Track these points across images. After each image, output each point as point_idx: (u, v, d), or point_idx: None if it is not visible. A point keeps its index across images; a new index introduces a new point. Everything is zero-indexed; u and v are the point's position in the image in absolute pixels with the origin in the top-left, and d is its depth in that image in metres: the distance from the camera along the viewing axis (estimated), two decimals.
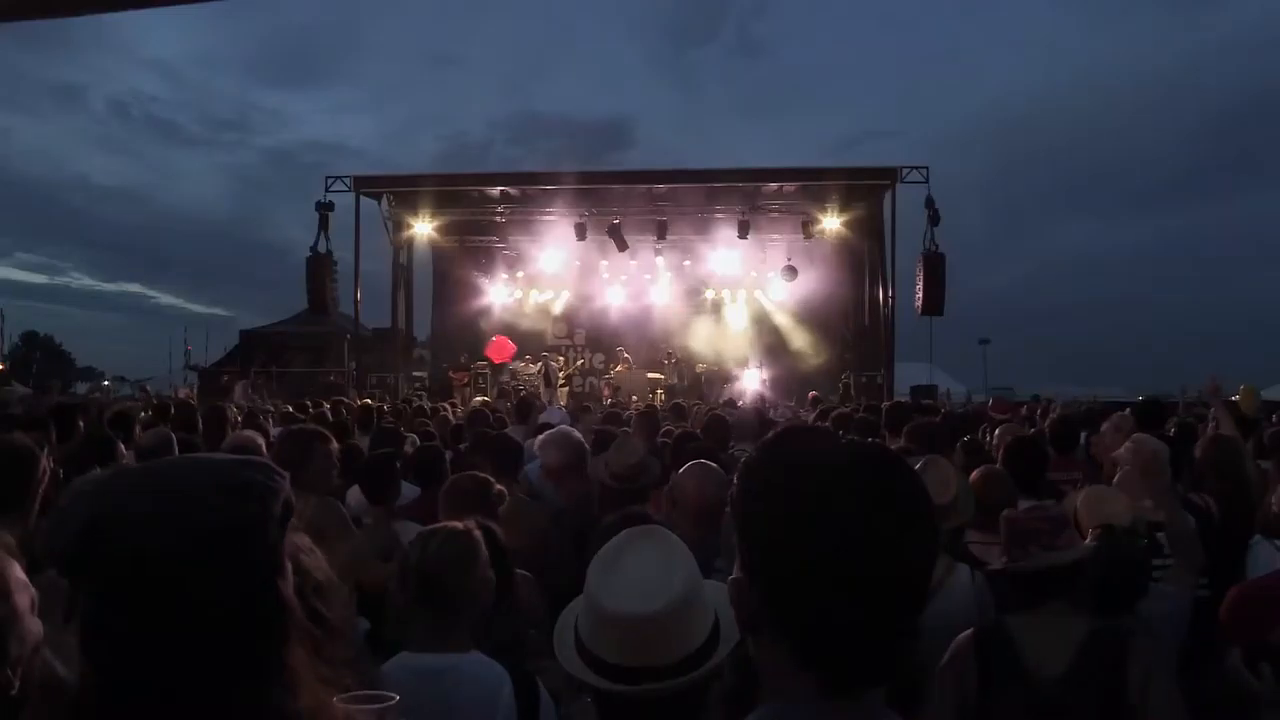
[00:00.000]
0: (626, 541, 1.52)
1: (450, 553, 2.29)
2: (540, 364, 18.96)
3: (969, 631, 2.44)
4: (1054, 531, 2.44)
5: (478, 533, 2.39)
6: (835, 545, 0.87)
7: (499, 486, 3.27)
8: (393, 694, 1.25)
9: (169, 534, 0.90)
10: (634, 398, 16.45)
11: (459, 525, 2.41)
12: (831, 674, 0.90)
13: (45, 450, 2.80)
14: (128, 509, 0.92)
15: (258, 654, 0.94)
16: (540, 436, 4.73)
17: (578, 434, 4.63)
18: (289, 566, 0.99)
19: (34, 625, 1.42)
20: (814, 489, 0.91)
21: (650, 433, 5.85)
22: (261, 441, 4.76)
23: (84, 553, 0.91)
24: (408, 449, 5.15)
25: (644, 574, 1.43)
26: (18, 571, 1.43)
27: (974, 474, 3.41)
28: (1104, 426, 5.11)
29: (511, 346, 19.62)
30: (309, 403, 9.14)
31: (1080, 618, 2.34)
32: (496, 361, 19.07)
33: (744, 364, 19.37)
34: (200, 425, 6.42)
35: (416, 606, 2.28)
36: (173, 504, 0.92)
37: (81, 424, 5.31)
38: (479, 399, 13.70)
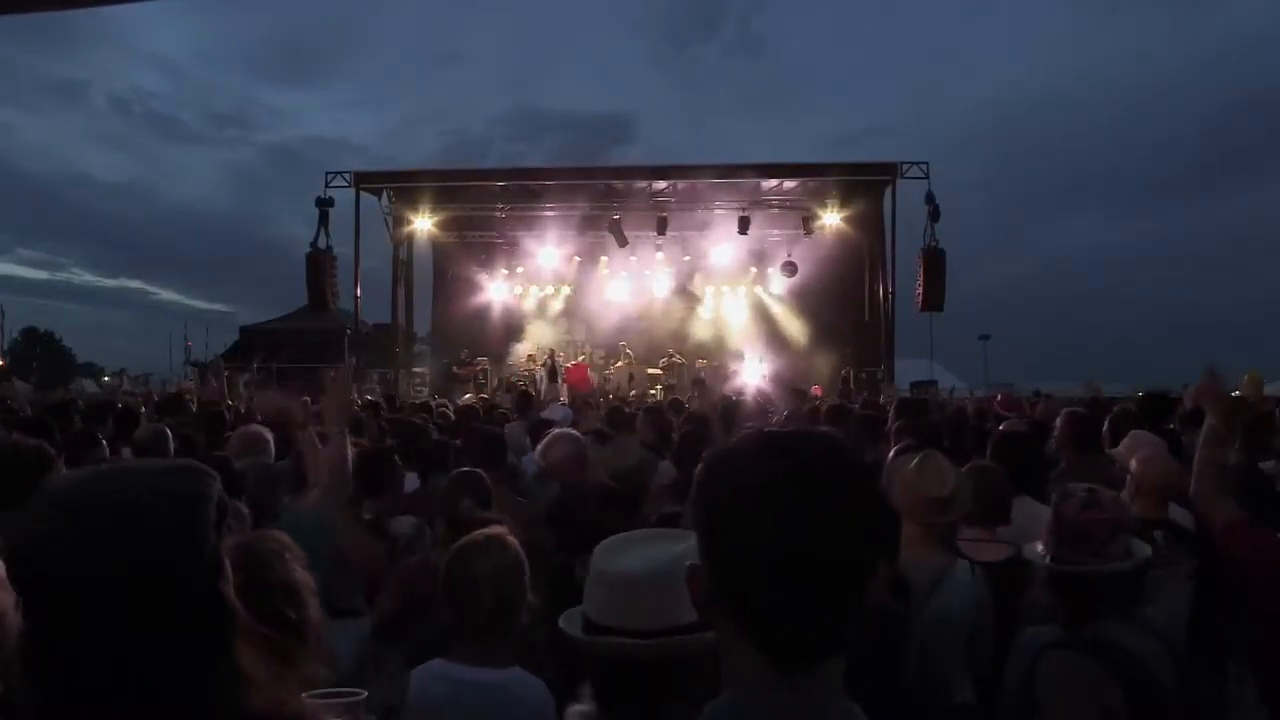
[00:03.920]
0: (652, 533, 1.57)
1: (496, 566, 2.24)
2: (547, 358, 18.97)
3: (1089, 663, 2.09)
4: (1108, 537, 2.20)
5: (516, 543, 2.33)
6: (771, 527, 0.95)
7: (485, 484, 3.28)
8: (361, 690, 1.26)
9: (104, 551, 0.90)
10: (633, 392, 16.44)
11: (501, 535, 2.34)
12: (776, 650, 0.97)
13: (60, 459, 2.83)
14: (58, 530, 0.92)
15: (204, 657, 0.94)
16: (545, 438, 4.72)
17: (577, 434, 4.62)
18: (229, 568, 0.99)
19: (20, 622, 1.42)
20: (755, 476, 0.99)
21: (659, 430, 5.84)
22: (270, 437, 4.75)
23: (21, 573, 0.92)
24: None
25: (648, 547, 1.47)
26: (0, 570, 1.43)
27: (965, 468, 3.40)
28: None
29: (587, 376, 18.76)
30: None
31: (1146, 634, 2.17)
32: (581, 389, 17.25)
33: (744, 360, 19.36)
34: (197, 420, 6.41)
35: (453, 617, 2.25)
36: (106, 520, 0.92)
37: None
38: (468, 396, 13.71)
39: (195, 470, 1.01)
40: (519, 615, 2.24)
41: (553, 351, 19.40)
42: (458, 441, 4.93)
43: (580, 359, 19.94)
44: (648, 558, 1.44)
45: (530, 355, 20.06)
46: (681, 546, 1.45)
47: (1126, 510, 2.34)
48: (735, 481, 1.01)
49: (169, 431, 4.71)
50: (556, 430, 4.75)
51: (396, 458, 4.08)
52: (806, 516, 0.95)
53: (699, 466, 1.08)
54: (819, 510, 0.95)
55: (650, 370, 19.35)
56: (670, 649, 1.38)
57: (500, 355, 20.58)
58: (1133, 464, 3.61)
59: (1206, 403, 3.06)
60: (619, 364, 19.63)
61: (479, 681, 2.15)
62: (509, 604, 2.23)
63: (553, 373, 18.31)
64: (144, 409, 6.99)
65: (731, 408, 6.19)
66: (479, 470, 3.55)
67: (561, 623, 1.52)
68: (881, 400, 10.46)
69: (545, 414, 7.82)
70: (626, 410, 8.40)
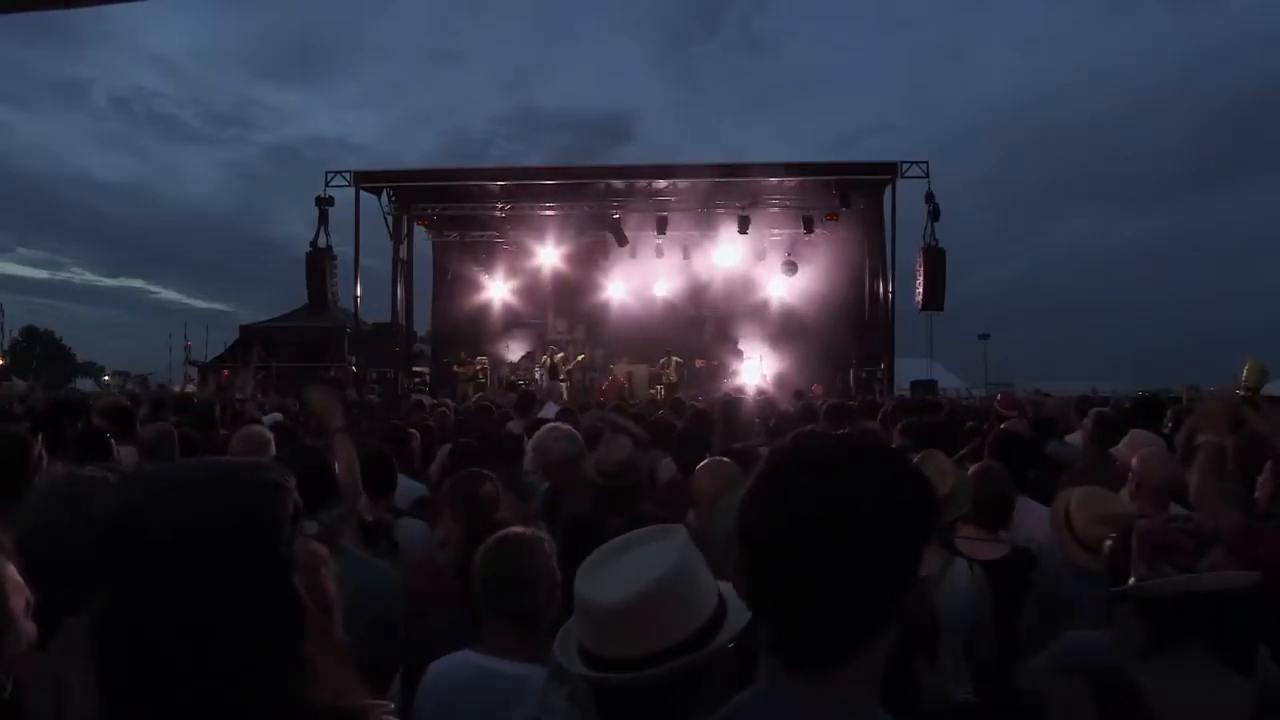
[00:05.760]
0: (634, 538, 1.52)
1: (535, 562, 2.27)
2: (546, 357, 18.98)
3: (1079, 681, 1.92)
4: (1198, 549, 1.91)
5: (549, 541, 2.36)
6: (789, 527, 0.96)
7: (488, 485, 3.28)
8: (389, 703, 1.27)
9: (194, 526, 0.93)
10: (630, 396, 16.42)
11: (531, 531, 2.38)
12: (781, 649, 0.98)
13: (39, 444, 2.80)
14: (153, 505, 0.95)
15: (277, 647, 0.97)
16: (538, 432, 4.66)
17: (575, 432, 4.55)
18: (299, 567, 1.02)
19: (28, 627, 1.42)
20: (787, 476, 1.00)
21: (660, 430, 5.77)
22: (271, 436, 4.74)
23: (111, 546, 0.94)
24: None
25: (628, 567, 1.43)
26: (13, 573, 1.43)
27: (970, 469, 3.40)
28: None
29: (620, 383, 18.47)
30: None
31: (1230, 674, 1.84)
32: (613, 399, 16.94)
33: (744, 359, 19.37)
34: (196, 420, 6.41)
35: (490, 611, 2.26)
36: (195, 499, 0.96)
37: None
38: (477, 395, 13.70)
39: (274, 466, 1.05)
40: (545, 611, 2.26)
41: (551, 352, 19.39)
42: (459, 440, 4.92)
43: (578, 358, 19.76)
44: (627, 580, 1.40)
45: (528, 354, 20.07)
46: (661, 558, 1.43)
47: (1235, 527, 2.11)
48: (773, 478, 1.01)
49: (175, 431, 4.70)
50: (548, 426, 4.64)
51: (393, 460, 4.08)
52: (832, 520, 0.94)
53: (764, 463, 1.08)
54: (846, 515, 0.95)
55: (650, 370, 19.34)
56: (669, 675, 1.36)
57: (500, 355, 20.58)
58: (1134, 462, 3.62)
59: (1207, 420, 3.02)
60: (619, 363, 19.63)
61: (502, 671, 2.15)
62: (553, 602, 2.26)
63: (553, 372, 18.30)
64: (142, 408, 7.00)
65: (733, 405, 6.20)
66: (487, 471, 3.54)
67: (557, 648, 1.50)
68: (877, 399, 10.48)
69: (541, 414, 7.80)
70: (631, 408, 8.39)
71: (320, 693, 1.00)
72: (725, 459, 3.28)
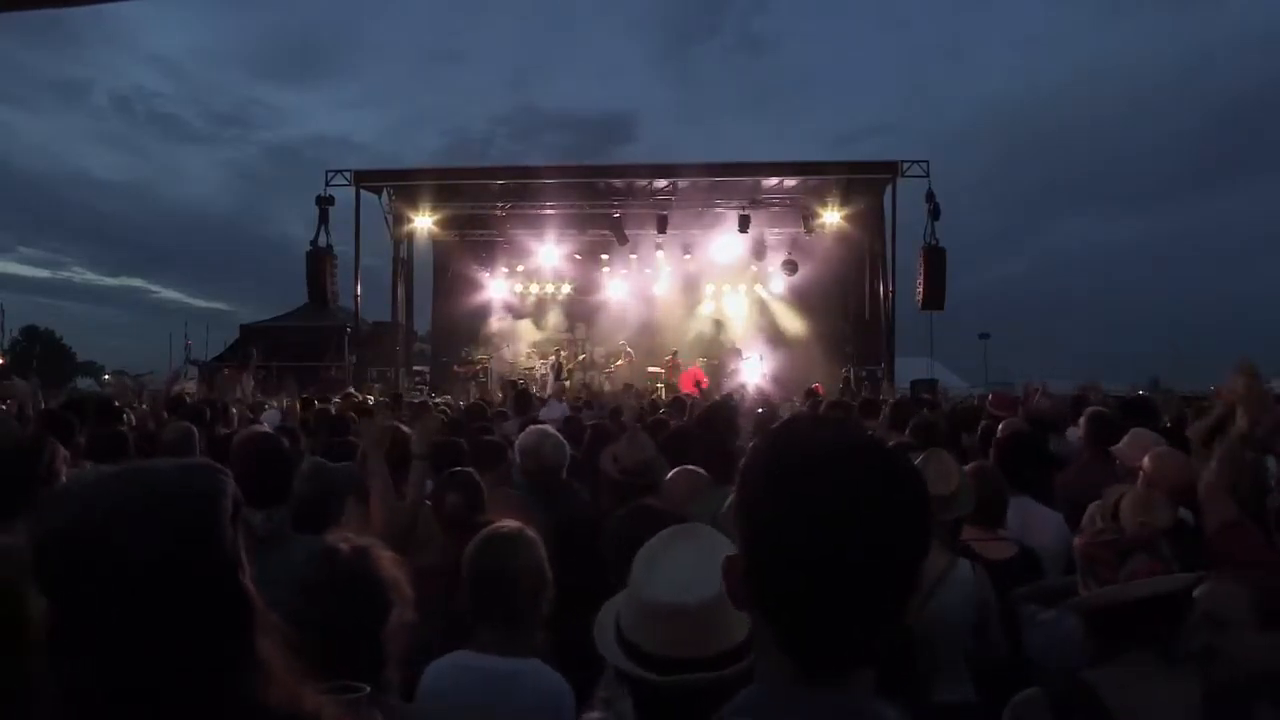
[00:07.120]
0: (673, 536, 1.52)
1: (518, 557, 2.28)
2: (553, 357, 18.98)
3: (1035, 691, 1.94)
4: (1118, 560, 1.95)
5: (536, 536, 2.37)
6: (796, 525, 0.92)
7: (453, 496, 3.28)
8: (364, 685, 1.26)
9: (140, 536, 0.93)
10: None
11: (519, 527, 2.38)
12: (797, 651, 0.95)
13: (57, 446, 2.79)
14: (97, 517, 0.95)
15: (225, 646, 0.98)
16: (519, 437, 4.51)
17: (559, 435, 4.39)
18: (245, 561, 1.03)
19: None
20: (791, 471, 0.96)
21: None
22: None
23: (62, 557, 0.94)
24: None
25: (686, 568, 1.43)
26: None
27: (966, 469, 3.38)
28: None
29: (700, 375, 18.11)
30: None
31: (1182, 673, 1.86)
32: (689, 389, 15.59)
33: (744, 358, 19.35)
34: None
35: (479, 609, 2.27)
36: (138, 510, 0.95)
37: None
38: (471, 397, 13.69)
39: (209, 467, 1.04)
40: (535, 607, 2.28)
41: (558, 351, 19.38)
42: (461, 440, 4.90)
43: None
44: (699, 581, 1.39)
45: (529, 353, 20.07)
46: (718, 555, 1.43)
47: (1148, 533, 2.09)
48: (773, 473, 0.97)
49: (195, 430, 4.68)
50: (530, 431, 4.51)
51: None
52: (844, 515, 0.91)
53: (749, 450, 1.04)
54: (857, 509, 0.92)
55: (650, 369, 19.33)
56: (730, 677, 1.34)
57: (500, 354, 20.57)
58: (1145, 461, 3.54)
59: (1244, 404, 2.97)
60: (619, 362, 19.62)
61: (494, 669, 2.18)
62: (541, 596, 2.28)
63: (558, 371, 18.30)
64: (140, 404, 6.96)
65: (722, 408, 6.15)
66: (471, 470, 3.54)
67: (602, 650, 1.49)
68: (881, 398, 10.45)
69: (543, 412, 7.76)
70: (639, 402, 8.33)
71: (278, 693, 1.00)
72: (696, 469, 3.22)
